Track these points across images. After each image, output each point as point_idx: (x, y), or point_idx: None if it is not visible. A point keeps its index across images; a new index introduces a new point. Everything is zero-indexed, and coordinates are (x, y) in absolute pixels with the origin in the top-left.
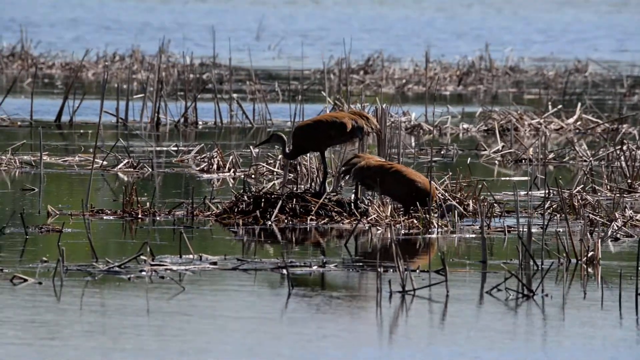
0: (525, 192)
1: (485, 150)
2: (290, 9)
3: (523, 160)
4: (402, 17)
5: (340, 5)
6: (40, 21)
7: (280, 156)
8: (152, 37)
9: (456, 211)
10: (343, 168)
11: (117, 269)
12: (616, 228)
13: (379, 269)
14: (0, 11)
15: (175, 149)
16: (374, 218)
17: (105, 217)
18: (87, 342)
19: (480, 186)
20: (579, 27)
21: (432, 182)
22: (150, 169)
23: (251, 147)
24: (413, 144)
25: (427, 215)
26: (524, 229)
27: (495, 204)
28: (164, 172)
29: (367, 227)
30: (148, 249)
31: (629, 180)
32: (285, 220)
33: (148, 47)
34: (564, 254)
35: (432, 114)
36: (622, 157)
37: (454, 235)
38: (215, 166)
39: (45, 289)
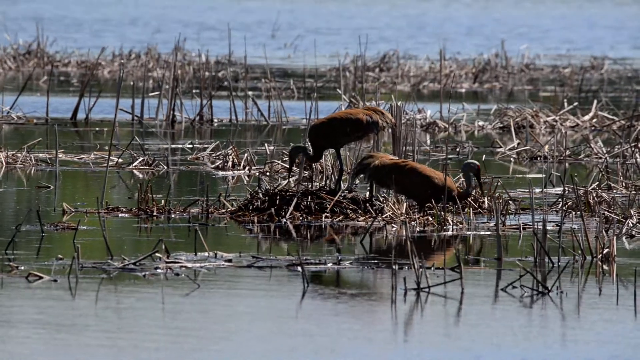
0: (541, 190)
1: (501, 147)
2: (309, 6)
3: (538, 158)
4: (424, 14)
5: (365, 2)
6: (59, 19)
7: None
8: (168, 35)
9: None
10: (357, 168)
11: (132, 266)
12: (631, 225)
13: (393, 266)
14: (26, 8)
15: (191, 146)
16: (389, 215)
17: (120, 215)
18: (102, 340)
19: (495, 183)
20: (601, 22)
21: (447, 178)
22: (165, 167)
23: (281, 164)
24: (428, 142)
25: (443, 212)
26: (539, 226)
27: (510, 202)
28: (179, 170)
29: (382, 225)
30: (163, 247)
31: None
32: (300, 218)
33: (164, 45)
34: (580, 251)
35: (448, 111)
36: (638, 154)
37: (469, 232)
38: (230, 164)
39: (60, 286)
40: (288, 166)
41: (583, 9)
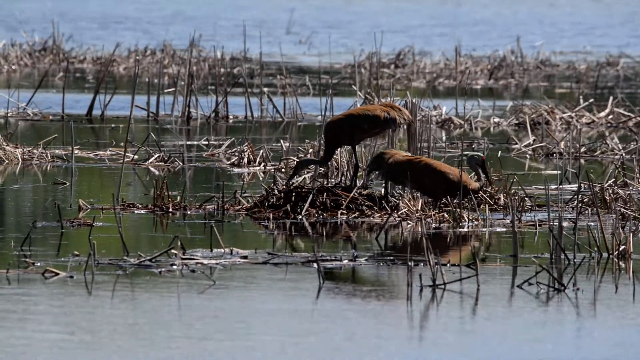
0: (557, 186)
1: (516, 144)
2: (323, 2)
3: (554, 154)
4: (438, 10)
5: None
6: (73, 15)
7: (310, 150)
8: (183, 31)
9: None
10: (370, 167)
11: (148, 262)
12: None
13: (409, 263)
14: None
15: (206, 143)
16: (405, 212)
17: (136, 211)
18: (117, 336)
19: (511, 180)
20: (614, 20)
21: (462, 174)
22: (181, 163)
23: (281, 178)
24: (444, 138)
25: (458, 209)
26: (555, 223)
27: (526, 198)
28: (195, 166)
29: (397, 221)
30: (179, 243)
31: None
32: (316, 214)
33: (179, 41)
34: (596, 248)
35: (463, 107)
36: None
37: (485, 229)
38: (245, 160)
39: (76, 283)
40: (290, 175)
41: (611, 7)
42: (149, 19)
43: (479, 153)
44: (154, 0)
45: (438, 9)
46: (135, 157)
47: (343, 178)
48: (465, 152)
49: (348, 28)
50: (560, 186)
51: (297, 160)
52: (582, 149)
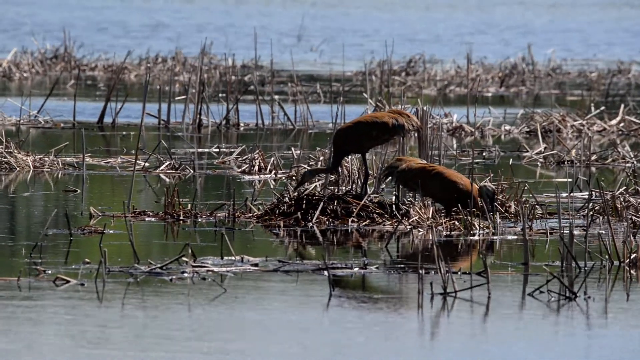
0: (568, 194)
1: (527, 151)
2: (332, 10)
3: (565, 162)
4: (446, 18)
5: (386, 7)
6: (84, 23)
7: (321, 158)
8: (193, 39)
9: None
10: (385, 172)
11: (158, 270)
12: None
13: (420, 271)
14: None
15: (217, 150)
16: (416, 220)
17: (147, 219)
18: (128, 344)
19: (522, 188)
20: (627, 26)
21: (473, 183)
22: (192, 171)
23: (292, 186)
24: (455, 146)
25: (469, 217)
26: (566, 231)
27: (537, 206)
28: (206, 174)
29: (408, 229)
30: (190, 251)
31: None
32: (327, 222)
33: (190, 49)
34: (607, 256)
35: (474, 115)
36: None
37: (496, 237)
38: (256, 168)
39: (87, 291)
40: (296, 185)
41: (622, 15)
42: (161, 27)
43: (491, 185)
44: (169, 9)
45: (459, 17)
46: (146, 164)
47: (354, 186)
48: (482, 184)
49: (359, 36)
50: (572, 194)
51: (305, 170)
52: (593, 157)
